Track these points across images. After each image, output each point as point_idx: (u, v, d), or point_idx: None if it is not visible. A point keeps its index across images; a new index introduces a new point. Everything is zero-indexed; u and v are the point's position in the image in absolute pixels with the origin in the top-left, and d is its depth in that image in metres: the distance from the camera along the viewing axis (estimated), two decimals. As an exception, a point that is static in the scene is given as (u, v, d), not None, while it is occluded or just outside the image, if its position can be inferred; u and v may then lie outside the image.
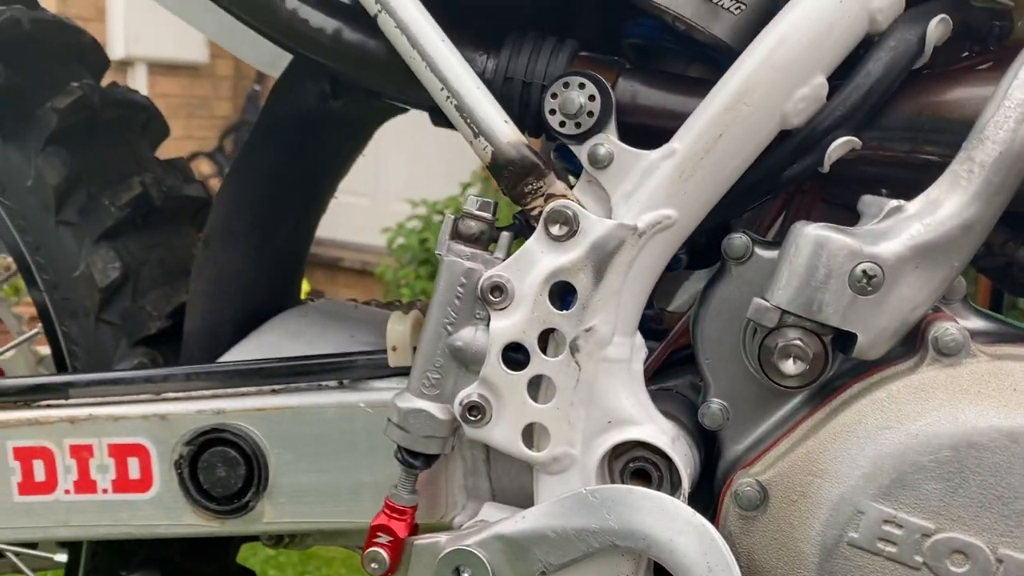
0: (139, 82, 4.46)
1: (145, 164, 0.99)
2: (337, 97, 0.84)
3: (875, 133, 0.64)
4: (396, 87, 0.74)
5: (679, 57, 0.75)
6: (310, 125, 0.87)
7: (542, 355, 0.67)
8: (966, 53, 0.71)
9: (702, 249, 0.75)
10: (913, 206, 0.60)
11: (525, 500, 0.70)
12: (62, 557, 0.99)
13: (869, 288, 0.59)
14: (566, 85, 0.66)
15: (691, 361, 0.72)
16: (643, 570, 0.65)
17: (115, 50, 4.29)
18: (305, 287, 4.32)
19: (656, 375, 0.77)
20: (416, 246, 3.61)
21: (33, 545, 0.98)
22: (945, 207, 0.58)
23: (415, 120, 0.85)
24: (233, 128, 4.63)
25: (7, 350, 1.07)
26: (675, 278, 0.96)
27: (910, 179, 0.66)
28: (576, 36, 0.74)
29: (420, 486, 0.72)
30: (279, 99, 0.85)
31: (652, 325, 0.91)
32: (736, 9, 0.65)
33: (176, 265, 0.97)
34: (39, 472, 0.79)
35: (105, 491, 0.79)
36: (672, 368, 0.78)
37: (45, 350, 1.12)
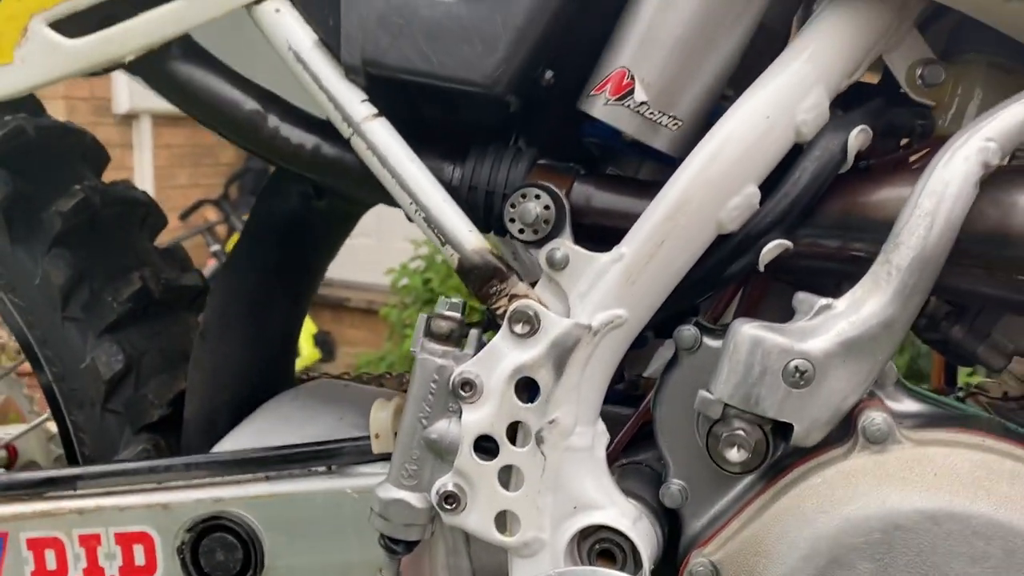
0: (144, 134, 4.56)
1: (144, 257, 1.05)
2: (320, 198, 0.91)
3: (807, 231, 0.70)
4: (373, 195, 0.80)
5: (632, 156, 0.81)
6: (296, 223, 0.93)
7: (511, 446, 0.72)
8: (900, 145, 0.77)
9: (666, 324, 0.81)
10: (840, 304, 0.65)
11: (503, 577, 0.75)
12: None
13: (801, 382, 0.64)
14: (523, 196, 0.72)
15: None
16: (610, 646, 0.70)
17: (120, 104, 4.39)
18: (312, 328, 4.34)
19: (628, 447, 0.82)
20: (420, 286, 3.67)
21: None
22: (867, 306, 0.64)
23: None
24: (238, 175, 4.72)
25: (23, 434, 1.13)
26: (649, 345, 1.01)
27: (844, 271, 0.72)
28: (540, 137, 0.80)
29: (405, 567, 0.77)
30: (266, 202, 0.92)
31: (629, 391, 0.97)
32: (673, 126, 0.72)
33: (175, 351, 1.03)
34: (50, 562, 0.85)
35: (113, 578, 0.84)
36: (644, 440, 0.83)
37: (55, 428, 1.18)
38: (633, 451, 0.83)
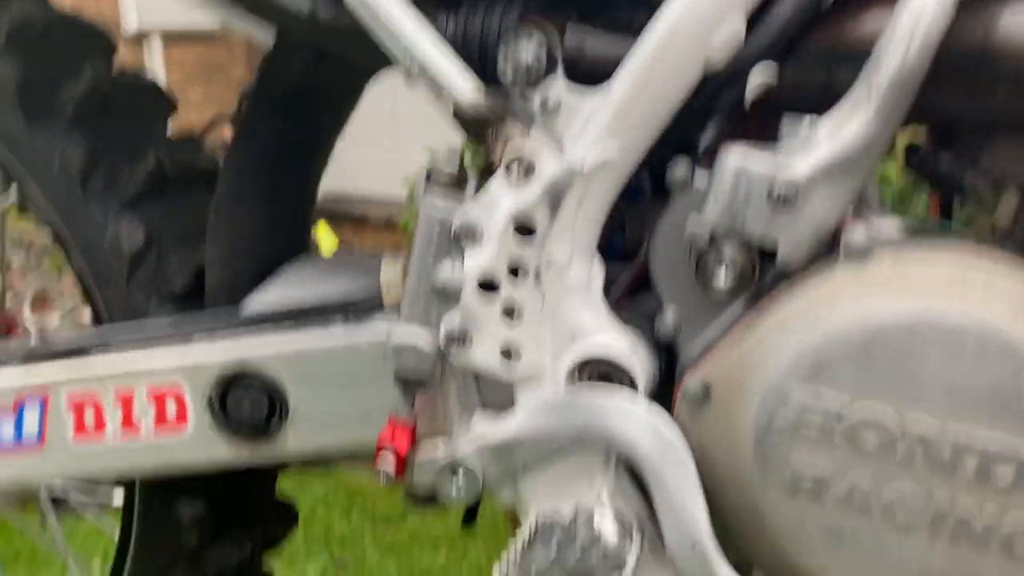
0: (155, 53, 4.55)
1: (159, 141, 1.08)
2: (320, 64, 0.93)
3: (791, 65, 0.72)
4: (370, 54, 0.82)
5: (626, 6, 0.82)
6: (300, 94, 0.96)
7: (510, 284, 0.76)
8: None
9: (662, 180, 0.83)
10: (822, 127, 0.67)
11: (510, 408, 0.80)
12: (119, 502, 1.12)
13: (784, 203, 0.67)
14: (516, 37, 0.74)
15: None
16: (612, 462, 0.75)
17: (129, 24, 4.37)
18: (334, 242, 4.41)
19: (629, 298, 0.86)
20: (436, 194, 3.68)
21: (92, 489, 1.10)
22: (848, 127, 0.66)
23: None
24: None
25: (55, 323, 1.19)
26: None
27: (830, 103, 0.74)
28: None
29: (421, 407, 0.82)
30: (267, 73, 0.94)
31: (628, 253, 1.00)
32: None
33: (194, 229, 1.06)
34: (89, 418, 0.91)
35: (148, 431, 0.90)
36: (642, 292, 0.87)
37: (88, 316, 1.24)
38: (633, 303, 0.87)
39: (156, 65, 4.57)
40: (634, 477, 0.76)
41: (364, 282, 0.96)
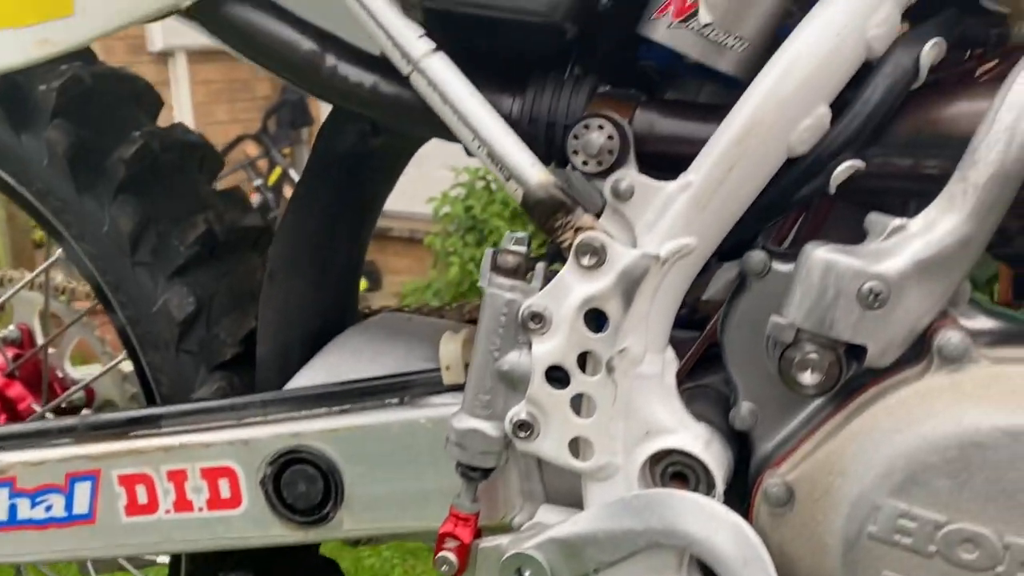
0: (180, 70, 4.57)
1: (207, 200, 1.07)
2: (377, 135, 0.91)
3: (878, 150, 0.69)
4: (433, 131, 0.80)
5: (693, 79, 0.80)
6: (355, 161, 0.94)
7: (581, 375, 0.73)
8: (968, 56, 0.75)
9: (729, 249, 0.81)
10: (914, 225, 0.65)
11: (576, 501, 0.78)
12: (164, 559, 1.11)
13: (876, 304, 0.64)
14: (586, 127, 0.72)
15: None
16: (686, 563, 0.72)
17: (155, 43, 4.40)
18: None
19: (693, 371, 0.83)
20: (462, 214, 3.67)
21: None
22: (942, 225, 0.63)
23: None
24: (275, 108, 4.72)
25: (99, 376, 1.18)
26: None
27: (916, 190, 0.71)
28: (597, 62, 0.79)
29: (481, 493, 0.80)
30: (324, 142, 0.92)
31: (689, 316, 0.98)
32: (740, 46, 0.70)
33: (243, 291, 1.05)
34: (142, 496, 0.89)
35: (201, 509, 0.88)
36: (709, 363, 0.84)
37: (128, 367, 1.22)
38: (699, 375, 0.84)
39: (181, 83, 4.59)
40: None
41: (421, 352, 0.94)
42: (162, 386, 1.01)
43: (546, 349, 0.74)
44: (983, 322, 0.68)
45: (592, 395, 0.73)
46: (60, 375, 1.33)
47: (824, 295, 0.65)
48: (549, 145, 0.76)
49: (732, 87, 0.72)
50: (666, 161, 0.73)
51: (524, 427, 0.75)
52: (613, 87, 0.77)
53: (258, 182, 4.51)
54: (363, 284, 4.63)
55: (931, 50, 0.66)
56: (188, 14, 0.78)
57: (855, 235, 0.70)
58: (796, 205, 0.71)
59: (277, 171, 4.56)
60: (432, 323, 1.03)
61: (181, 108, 4.52)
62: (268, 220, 1.09)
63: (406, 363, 0.91)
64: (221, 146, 4.62)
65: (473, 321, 0.81)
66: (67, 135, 0.97)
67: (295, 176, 4.47)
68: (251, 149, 4.56)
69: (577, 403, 0.74)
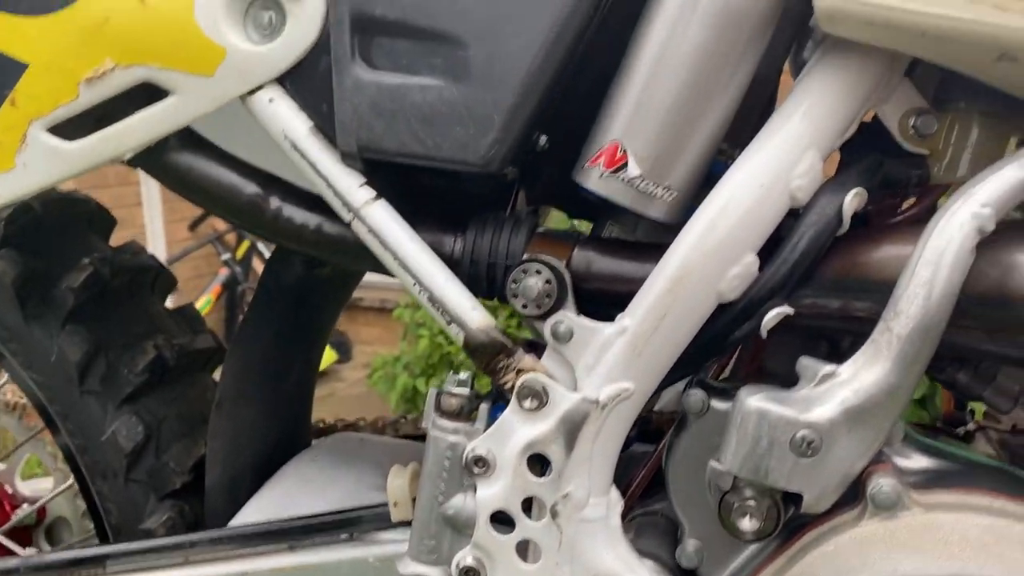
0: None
1: (157, 323, 1.06)
2: (324, 265, 0.92)
3: (807, 293, 0.70)
4: (378, 269, 0.81)
5: (630, 215, 0.81)
6: (302, 291, 0.94)
7: (526, 520, 0.73)
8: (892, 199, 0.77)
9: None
10: (843, 372, 0.66)
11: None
12: None
13: (809, 452, 0.65)
14: (524, 271, 0.73)
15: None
16: None
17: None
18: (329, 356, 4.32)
19: (643, 496, 0.84)
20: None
21: None
22: (869, 375, 0.64)
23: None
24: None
25: (50, 499, 1.16)
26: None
27: (847, 330, 0.72)
28: (538, 191, 0.81)
29: (429, 631, 0.79)
30: (272, 274, 0.93)
31: (643, 427, 0.98)
32: (668, 195, 0.72)
33: (194, 415, 1.04)
34: (88, 639, 0.87)
35: (149, 652, 0.87)
36: (658, 485, 0.85)
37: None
38: (648, 501, 0.84)
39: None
40: None
41: (372, 480, 0.94)
42: (111, 515, 1.00)
43: (491, 493, 0.74)
44: (918, 461, 0.69)
45: (537, 541, 0.73)
46: (10, 491, 1.30)
47: (758, 444, 0.66)
48: (491, 284, 0.77)
49: (667, 224, 0.73)
50: (606, 298, 0.75)
51: (470, 573, 0.74)
52: (552, 224, 0.79)
53: (226, 256, 4.50)
54: (333, 356, 4.60)
55: (853, 199, 0.68)
56: (131, 163, 0.79)
57: (794, 359, 0.71)
58: (730, 347, 0.73)
59: (245, 244, 4.56)
60: (385, 444, 1.03)
61: (149, 183, 4.52)
62: (219, 341, 1.09)
63: (356, 492, 0.91)
64: (189, 220, 4.62)
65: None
66: (15, 265, 0.97)
67: (263, 249, 4.46)
68: (219, 223, 4.55)
69: (523, 548, 0.74)
